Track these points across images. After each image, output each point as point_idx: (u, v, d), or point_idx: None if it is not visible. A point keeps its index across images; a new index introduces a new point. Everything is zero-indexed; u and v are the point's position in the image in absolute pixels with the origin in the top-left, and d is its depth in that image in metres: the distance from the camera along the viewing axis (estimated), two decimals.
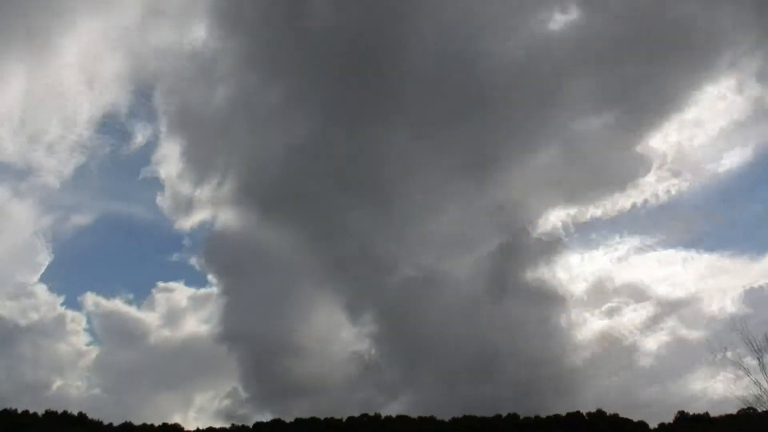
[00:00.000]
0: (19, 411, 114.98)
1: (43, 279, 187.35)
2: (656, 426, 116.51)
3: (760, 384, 41.44)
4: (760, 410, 46.14)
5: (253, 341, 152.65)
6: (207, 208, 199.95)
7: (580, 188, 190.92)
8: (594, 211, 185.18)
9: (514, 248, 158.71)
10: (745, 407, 54.66)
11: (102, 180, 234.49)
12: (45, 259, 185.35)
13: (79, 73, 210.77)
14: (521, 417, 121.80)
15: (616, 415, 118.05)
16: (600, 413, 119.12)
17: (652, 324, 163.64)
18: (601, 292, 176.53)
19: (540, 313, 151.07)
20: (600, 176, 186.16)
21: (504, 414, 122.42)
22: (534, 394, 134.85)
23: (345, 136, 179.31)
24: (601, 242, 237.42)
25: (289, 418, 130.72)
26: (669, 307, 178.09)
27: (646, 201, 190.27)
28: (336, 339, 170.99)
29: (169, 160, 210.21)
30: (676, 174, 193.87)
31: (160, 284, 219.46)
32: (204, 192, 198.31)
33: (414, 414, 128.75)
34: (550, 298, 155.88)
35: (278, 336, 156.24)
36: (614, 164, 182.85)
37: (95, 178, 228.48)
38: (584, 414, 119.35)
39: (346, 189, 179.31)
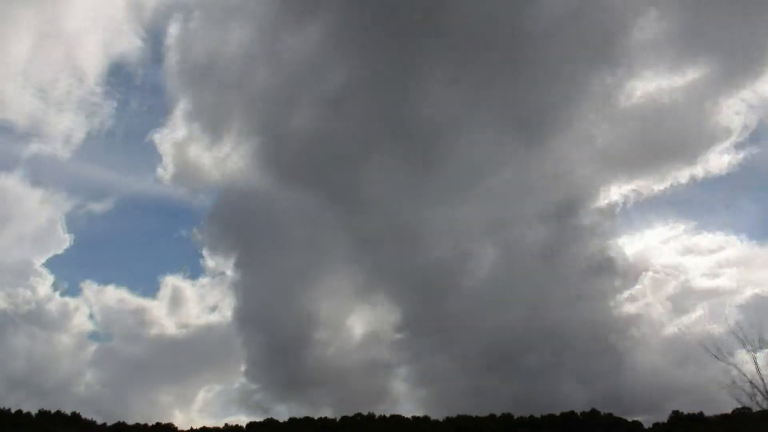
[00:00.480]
0: (13, 411, 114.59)
1: (47, 265, 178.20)
2: (651, 426, 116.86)
3: (754, 383, 41.51)
4: (754, 410, 46.21)
5: (266, 328, 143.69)
6: (222, 175, 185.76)
7: (640, 158, 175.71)
8: (654, 184, 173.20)
9: (564, 224, 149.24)
10: (740, 407, 54.85)
11: (111, 149, 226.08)
12: (48, 244, 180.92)
13: (88, 18, 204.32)
14: (515, 417, 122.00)
15: (610, 415, 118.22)
16: (594, 413, 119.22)
17: (676, 314, 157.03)
18: (640, 275, 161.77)
19: (583, 294, 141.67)
20: (664, 145, 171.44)
21: (498, 414, 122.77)
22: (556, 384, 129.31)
23: (381, 93, 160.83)
24: (655, 220, 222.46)
25: (306, 409, 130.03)
26: (702, 296, 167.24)
27: (713, 176, 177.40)
28: (359, 326, 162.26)
29: (182, 121, 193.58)
30: (750, 145, 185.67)
31: (167, 272, 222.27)
32: (218, 156, 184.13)
33: (432, 407, 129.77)
34: (595, 279, 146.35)
35: (294, 322, 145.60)
36: (682, 132, 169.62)
37: (104, 147, 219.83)
38: (578, 414, 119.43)
39: (379, 154, 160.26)
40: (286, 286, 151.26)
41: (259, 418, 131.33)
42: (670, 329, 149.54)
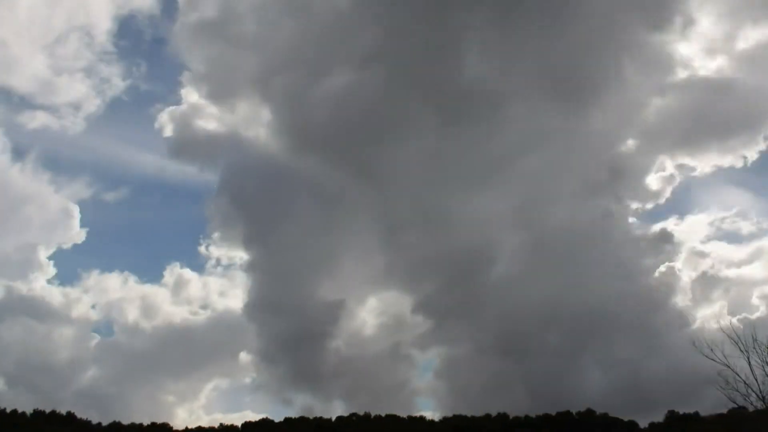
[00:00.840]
0: (8, 410, 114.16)
1: (54, 256, 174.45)
2: (647, 425, 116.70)
3: (748, 383, 41.37)
4: (750, 410, 46.12)
5: (279, 316, 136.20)
6: (234, 148, 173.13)
7: (692, 132, 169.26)
8: (706, 162, 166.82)
9: (604, 204, 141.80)
10: (736, 407, 54.76)
11: (121, 120, 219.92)
12: (59, 234, 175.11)
13: None
14: (511, 417, 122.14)
15: (606, 415, 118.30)
16: (589, 412, 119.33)
17: (701, 302, 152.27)
18: (675, 260, 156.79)
19: (615, 278, 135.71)
20: (720, 120, 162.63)
21: (493, 413, 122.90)
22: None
23: (412, 61, 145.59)
24: (702, 201, 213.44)
25: (319, 401, 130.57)
26: (730, 285, 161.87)
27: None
28: (378, 314, 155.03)
29: (194, 87, 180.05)
30: None
31: (175, 258, 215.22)
32: (231, 126, 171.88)
33: (451, 397, 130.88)
34: (630, 263, 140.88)
35: (309, 310, 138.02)
36: (741, 105, 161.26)
37: (114, 118, 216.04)
38: (574, 413, 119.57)
39: (409, 126, 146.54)
40: (300, 271, 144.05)
41: (269, 412, 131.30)
42: (697, 317, 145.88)
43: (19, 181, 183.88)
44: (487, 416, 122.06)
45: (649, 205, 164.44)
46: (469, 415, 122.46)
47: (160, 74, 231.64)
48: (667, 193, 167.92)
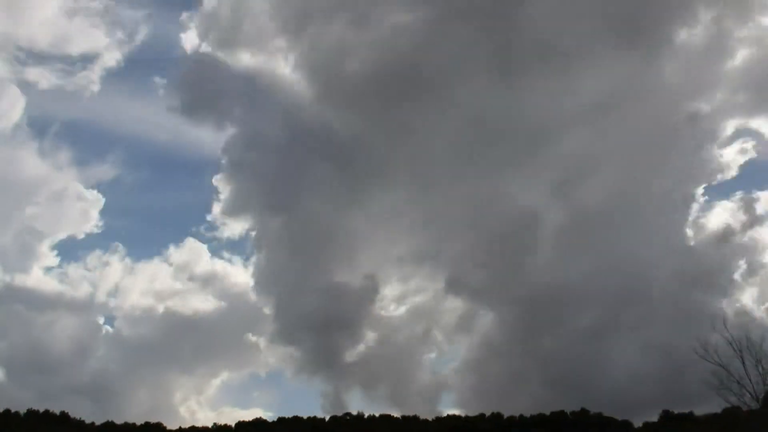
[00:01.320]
0: (1, 410, 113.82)
1: (59, 245, 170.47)
2: (641, 425, 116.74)
3: (743, 383, 41.46)
4: (744, 409, 46.23)
5: (295, 299, 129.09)
6: (256, 103, 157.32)
7: None
8: None
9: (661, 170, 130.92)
10: (730, 407, 54.85)
11: (139, 78, 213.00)
12: (59, 215, 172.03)
13: None
14: (505, 416, 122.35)
15: (600, 414, 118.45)
16: (584, 412, 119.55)
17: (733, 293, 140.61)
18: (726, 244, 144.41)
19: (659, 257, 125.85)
20: None
21: (488, 413, 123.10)
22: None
23: (473, 18, 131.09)
24: None
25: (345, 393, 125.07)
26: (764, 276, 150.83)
27: None
28: (401, 299, 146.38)
29: (212, 31, 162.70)
30: None
31: (182, 236, 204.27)
32: (253, 74, 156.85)
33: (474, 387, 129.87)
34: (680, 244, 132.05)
35: (329, 293, 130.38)
36: None
37: (132, 78, 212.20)
38: (568, 413, 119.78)
39: (457, 79, 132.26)
40: (321, 248, 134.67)
41: (278, 405, 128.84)
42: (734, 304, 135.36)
43: (31, 160, 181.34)
44: (481, 416, 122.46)
45: (715, 180, 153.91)
46: (462, 414, 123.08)
47: (174, 22, 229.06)
48: (737, 166, 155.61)
